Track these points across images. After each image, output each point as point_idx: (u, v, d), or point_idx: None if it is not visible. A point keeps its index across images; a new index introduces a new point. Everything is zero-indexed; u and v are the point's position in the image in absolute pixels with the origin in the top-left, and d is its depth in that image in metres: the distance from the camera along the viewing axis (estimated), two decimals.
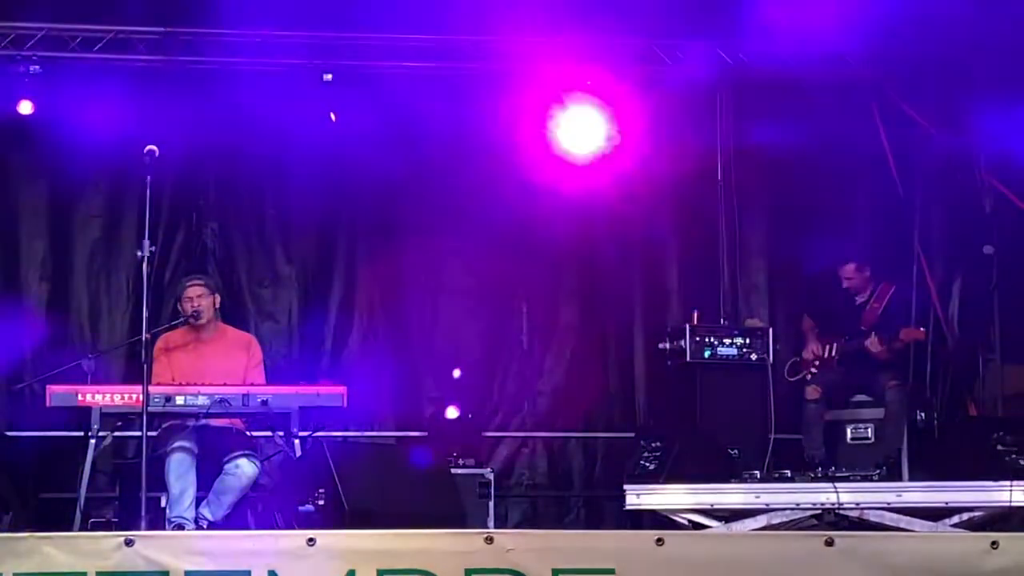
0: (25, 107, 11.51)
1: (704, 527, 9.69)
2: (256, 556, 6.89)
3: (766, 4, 11.95)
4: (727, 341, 11.25)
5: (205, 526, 9.11)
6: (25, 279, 11.83)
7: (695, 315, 11.43)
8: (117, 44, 11.71)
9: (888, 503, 9.62)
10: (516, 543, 7.02)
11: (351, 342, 12.16)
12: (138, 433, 8.73)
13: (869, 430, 10.84)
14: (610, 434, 12.23)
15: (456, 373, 11.90)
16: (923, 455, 10.61)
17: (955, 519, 9.55)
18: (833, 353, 10.93)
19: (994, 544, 7.03)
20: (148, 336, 8.70)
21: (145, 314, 8.66)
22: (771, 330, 11.44)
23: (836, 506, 9.59)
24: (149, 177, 8.90)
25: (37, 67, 11.50)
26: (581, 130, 11.83)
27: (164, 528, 8.99)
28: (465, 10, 12.08)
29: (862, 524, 9.54)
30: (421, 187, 12.32)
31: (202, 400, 9.16)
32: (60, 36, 11.65)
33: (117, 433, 9.32)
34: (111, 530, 8.86)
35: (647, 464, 10.22)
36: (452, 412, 11.62)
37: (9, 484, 9.16)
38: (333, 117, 11.83)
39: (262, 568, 6.86)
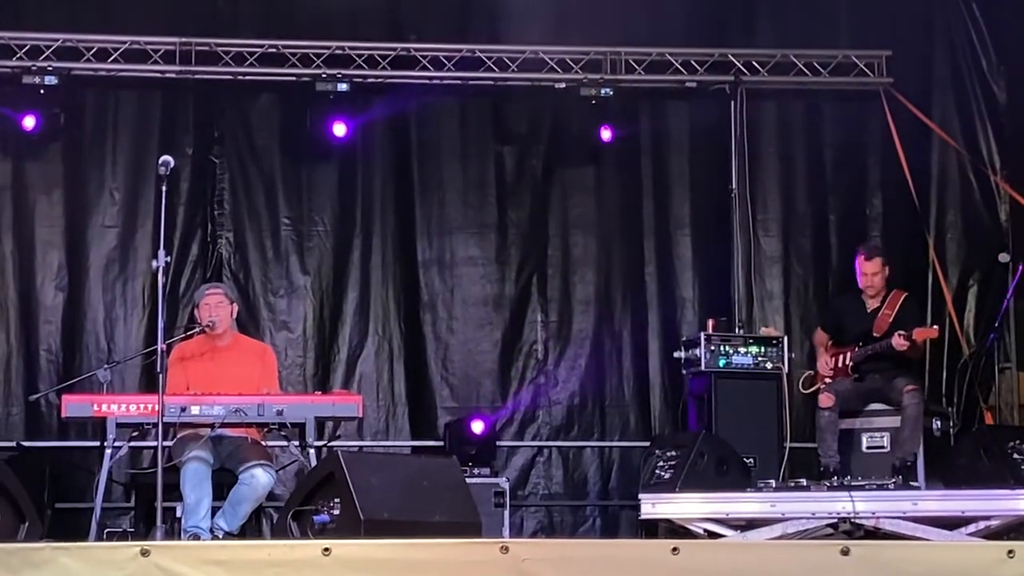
0: (29, 122, 11.55)
1: (719, 536, 9.66)
2: (271, 566, 6.88)
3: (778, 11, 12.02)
4: (742, 350, 11.24)
5: (221, 536, 9.10)
6: (41, 289, 11.84)
7: (710, 324, 11.43)
8: (132, 55, 11.74)
9: (904, 512, 9.58)
10: (531, 552, 7.01)
11: (366, 351, 12.16)
12: (153, 443, 8.73)
13: (885, 439, 10.81)
14: (625, 443, 12.22)
15: None
16: (939, 464, 10.59)
17: (971, 528, 9.52)
18: (847, 362, 10.92)
19: (1010, 553, 7.00)
20: (163, 346, 8.71)
21: (160, 324, 8.66)
22: (786, 339, 11.43)
23: (852, 515, 9.55)
24: (164, 187, 8.90)
25: (52, 77, 11.54)
26: None
27: (180, 538, 8.99)
28: (477, 20, 12.13)
29: (878, 533, 9.52)
30: (436, 196, 12.33)
31: (217, 410, 9.15)
32: (75, 47, 11.69)
33: (132, 443, 9.31)
34: (127, 540, 8.89)
35: (662, 473, 10.21)
36: (478, 426, 11.58)
37: (25, 494, 9.14)
38: (342, 131, 11.85)
39: None
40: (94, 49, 11.72)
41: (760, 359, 11.25)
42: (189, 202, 12.02)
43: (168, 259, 8.79)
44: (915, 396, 10.61)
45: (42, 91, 11.53)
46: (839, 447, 10.77)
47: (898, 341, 10.65)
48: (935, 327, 10.95)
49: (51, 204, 11.93)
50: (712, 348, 11.20)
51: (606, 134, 12.08)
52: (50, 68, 11.55)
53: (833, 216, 12.49)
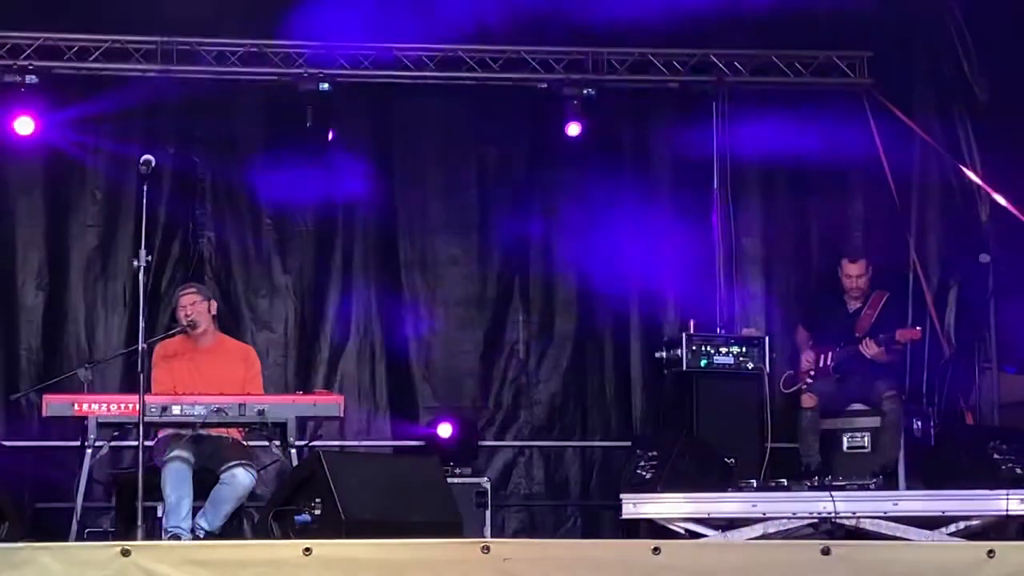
0: (23, 127, 11.51)
1: (701, 536, 9.69)
2: (252, 566, 6.88)
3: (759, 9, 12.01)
4: (723, 350, 11.27)
5: (202, 536, 9.10)
6: (22, 289, 11.82)
7: (691, 324, 11.44)
8: (113, 54, 11.71)
9: (884, 512, 9.62)
10: (513, 552, 7.02)
11: (348, 351, 12.14)
12: (135, 443, 8.73)
13: (865, 439, 10.84)
14: (607, 443, 12.22)
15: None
16: (919, 464, 10.62)
17: (951, 528, 9.56)
18: (828, 362, 10.94)
19: (991, 553, 7.02)
20: (144, 346, 8.71)
21: (142, 324, 8.67)
22: (767, 339, 11.45)
23: (833, 515, 9.59)
24: (145, 186, 8.89)
25: (33, 77, 11.51)
26: None
27: (160, 538, 8.99)
28: (461, 20, 12.11)
29: (859, 533, 9.54)
30: (418, 196, 12.33)
31: (199, 410, 9.15)
32: (56, 46, 11.65)
33: (114, 443, 9.30)
34: (108, 540, 8.87)
35: (644, 473, 10.22)
36: (446, 430, 11.57)
37: (5, 494, 9.13)
38: (331, 136, 11.84)
39: None
40: (75, 48, 11.68)
41: (741, 359, 11.27)
42: (170, 201, 11.98)
43: (149, 258, 8.77)
44: (894, 403, 10.66)
45: (23, 90, 11.50)
46: (820, 447, 10.80)
47: (870, 348, 10.69)
48: (918, 328, 10.99)
49: (32, 203, 11.91)
50: (693, 348, 11.22)
51: (574, 129, 12.03)
52: (30, 67, 11.52)
53: (814, 217, 12.51)
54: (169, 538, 8.94)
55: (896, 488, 10.32)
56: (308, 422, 9.67)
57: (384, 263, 12.26)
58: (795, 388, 11.02)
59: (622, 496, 10.09)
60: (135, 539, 8.06)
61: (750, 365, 11.26)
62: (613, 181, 12.46)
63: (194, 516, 9.18)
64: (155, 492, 9.08)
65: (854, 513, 9.61)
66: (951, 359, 11.88)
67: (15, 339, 11.75)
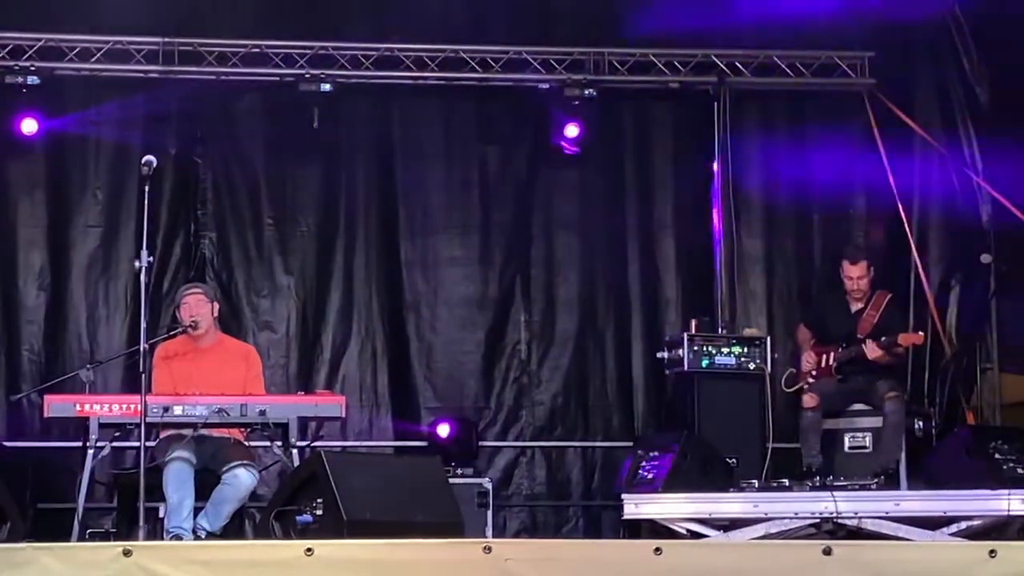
0: (26, 127, 11.53)
1: (702, 536, 9.68)
2: (254, 566, 6.88)
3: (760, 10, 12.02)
4: (725, 350, 11.26)
5: (203, 536, 9.10)
6: (23, 289, 11.82)
7: (693, 324, 11.44)
8: (115, 55, 11.72)
9: (886, 512, 9.62)
10: (514, 553, 7.01)
11: (349, 352, 12.14)
12: (136, 443, 8.72)
13: (867, 439, 10.83)
14: (608, 443, 12.22)
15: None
16: (921, 464, 10.62)
17: (953, 528, 9.56)
18: (830, 362, 10.94)
19: (992, 553, 7.01)
20: (146, 346, 8.71)
21: (143, 324, 8.66)
22: (769, 339, 11.44)
23: (834, 515, 9.59)
24: (147, 187, 8.89)
25: (35, 77, 11.52)
26: None
27: (162, 539, 8.98)
28: (460, 20, 12.12)
29: (860, 533, 9.54)
30: (420, 197, 12.33)
31: (200, 410, 9.15)
32: (58, 47, 11.66)
33: (115, 443, 9.30)
34: (109, 540, 8.87)
35: (645, 473, 10.22)
36: (444, 430, 11.59)
37: (7, 494, 9.13)
38: (316, 124, 11.83)
39: None
40: (77, 49, 11.69)
41: (743, 359, 11.26)
42: (172, 202, 12.00)
43: (151, 259, 8.77)
44: (896, 403, 10.65)
45: (25, 91, 11.51)
46: (822, 447, 10.79)
47: (872, 351, 10.70)
48: (920, 333, 10.97)
49: (33, 204, 11.91)
50: (695, 348, 11.21)
51: (573, 130, 12.03)
52: (32, 68, 11.53)
53: (816, 217, 12.51)
54: (171, 538, 8.94)
55: (898, 488, 10.31)
56: (310, 422, 9.67)
57: (385, 263, 12.26)
58: (796, 388, 11.00)
59: (624, 496, 10.09)
60: (137, 539, 8.07)
61: (751, 365, 11.26)
62: (614, 181, 12.47)
63: (195, 516, 9.17)
64: (156, 492, 9.07)
65: (856, 513, 9.61)
66: (952, 359, 11.89)
67: (17, 339, 11.75)
